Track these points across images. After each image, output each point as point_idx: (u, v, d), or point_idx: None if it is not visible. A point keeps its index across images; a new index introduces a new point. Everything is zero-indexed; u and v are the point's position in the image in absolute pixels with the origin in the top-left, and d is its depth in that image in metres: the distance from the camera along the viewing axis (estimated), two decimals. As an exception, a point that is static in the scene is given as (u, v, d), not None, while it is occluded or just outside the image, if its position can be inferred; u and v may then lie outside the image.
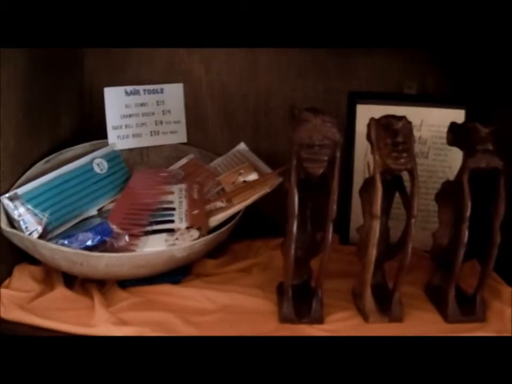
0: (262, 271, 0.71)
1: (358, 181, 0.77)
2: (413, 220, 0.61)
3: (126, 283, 0.67)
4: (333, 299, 0.65)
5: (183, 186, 0.73)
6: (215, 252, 0.73)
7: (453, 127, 0.67)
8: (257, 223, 0.78)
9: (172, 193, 0.72)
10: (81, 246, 0.63)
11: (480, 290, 0.64)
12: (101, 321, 0.59)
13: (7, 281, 0.66)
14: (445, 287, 0.65)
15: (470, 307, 0.64)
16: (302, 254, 0.65)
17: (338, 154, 0.58)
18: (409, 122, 0.62)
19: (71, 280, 0.68)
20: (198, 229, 0.67)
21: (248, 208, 0.72)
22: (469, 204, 0.61)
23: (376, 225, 0.60)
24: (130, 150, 0.78)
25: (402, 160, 0.59)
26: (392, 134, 0.60)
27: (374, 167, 0.61)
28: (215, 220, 0.69)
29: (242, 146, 0.79)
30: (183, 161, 0.78)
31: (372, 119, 0.62)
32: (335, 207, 0.59)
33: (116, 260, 0.62)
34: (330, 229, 0.59)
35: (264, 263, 0.72)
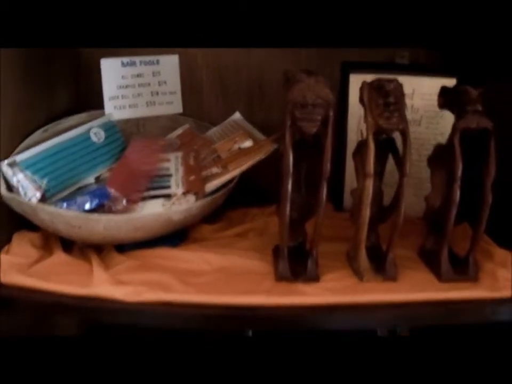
0: (257, 236, 0.72)
1: (351, 150, 0.77)
2: (405, 179, 0.62)
3: (124, 248, 0.68)
4: (328, 261, 0.66)
5: (179, 154, 0.74)
6: (211, 218, 0.74)
7: (444, 90, 0.68)
8: (253, 193, 0.79)
9: (169, 160, 0.73)
10: (80, 210, 0.64)
11: (472, 251, 0.65)
12: (99, 281, 0.60)
13: (6, 247, 0.67)
14: (438, 249, 0.66)
15: (462, 267, 0.65)
16: (296, 216, 0.66)
17: (331, 113, 0.59)
18: (401, 85, 0.63)
19: (70, 247, 0.69)
20: (195, 194, 0.69)
21: (243, 177, 0.73)
22: (460, 163, 0.62)
23: (370, 184, 0.62)
24: (126, 120, 0.79)
25: (394, 120, 0.60)
26: (384, 95, 0.61)
27: (366, 128, 0.63)
28: (211, 186, 0.70)
29: (237, 116, 0.80)
30: (179, 131, 0.79)
31: (364, 82, 0.64)
32: (328, 165, 0.60)
33: (114, 222, 0.63)
34: (324, 188, 0.60)
35: (260, 228, 0.74)
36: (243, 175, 0.73)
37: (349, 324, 0.59)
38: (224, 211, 0.77)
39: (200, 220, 0.71)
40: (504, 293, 0.60)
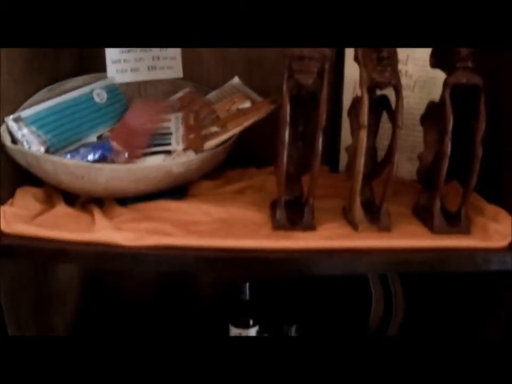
0: (256, 192, 0.74)
1: (346, 119, 0.80)
2: (398, 130, 0.64)
3: (125, 201, 0.70)
4: (324, 214, 0.68)
5: (179, 114, 0.76)
6: (210, 177, 0.76)
7: (436, 51, 0.70)
8: (251, 156, 0.81)
9: (169, 120, 0.75)
10: (83, 160, 0.66)
11: (464, 204, 0.67)
12: (101, 228, 0.62)
13: (9, 201, 0.68)
14: (431, 203, 0.68)
15: (454, 221, 0.67)
16: (293, 171, 0.68)
17: (327, 66, 0.62)
18: (394, 42, 0.65)
19: (72, 202, 0.71)
20: (194, 150, 0.71)
21: (242, 140, 0.75)
22: (451, 117, 0.64)
23: (364, 136, 0.64)
24: (128, 84, 0.81)
25: (387, 74, 0.63)
26: (377, 50, 0.64)
27: (360, 84, 0.65)
28: (210, 144, 0.72)
29: (236, 80, 0.82)
30: (179, 94, 0.81)
31: (359, 39, 0.66)
32: (324, 116, 0.62)
33: (116, 172, 0.65)
34: (320, 138, 0.62)
35: (257, 186, 0.76)
36: (242, 138, 0.75)
37: (343, 268, 0.60)
38: (223, 171, 0.79)
39: (200, 176, 0.73)
40: (496, 243, 0.62)
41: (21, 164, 0.67)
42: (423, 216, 0.70)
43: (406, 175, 0.81)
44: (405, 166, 0.81)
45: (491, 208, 0.70)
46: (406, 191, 0.76)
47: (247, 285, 0.83)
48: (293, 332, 0.81)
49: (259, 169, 0.81)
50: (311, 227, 0.64)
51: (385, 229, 0.65)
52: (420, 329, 0.90)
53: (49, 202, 0.71)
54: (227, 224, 0.65)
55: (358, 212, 0.66)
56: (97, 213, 0.66)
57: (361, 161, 0.64)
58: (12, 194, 0.70)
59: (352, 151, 0.67)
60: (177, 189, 0.71)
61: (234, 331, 0.86)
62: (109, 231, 0.61)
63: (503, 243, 0.62)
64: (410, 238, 0.63)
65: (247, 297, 0.84)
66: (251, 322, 0.86)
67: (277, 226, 0.64)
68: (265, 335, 0.78)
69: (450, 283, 0.82)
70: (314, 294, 0.94)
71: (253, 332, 0.85)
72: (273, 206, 0.68)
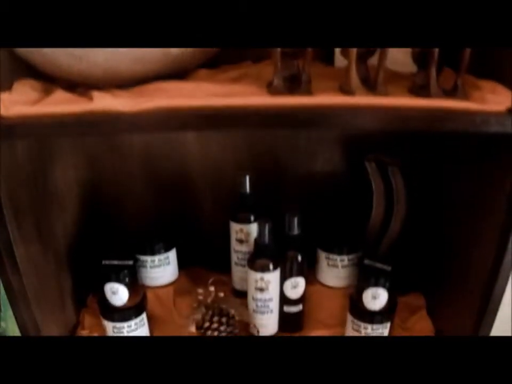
0: (253, 79, 0.73)
1: None
2: None
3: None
4: (320, 87, 0.66)
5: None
6: (207, 67, 0.76)
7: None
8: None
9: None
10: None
11: (460, 76, 0.67)
12: (99, 98, 0.63)
13: (6, 91, 0.68)
14: (427, 77, 0.68)
15: (451, 92, 0.67)
16: (290, 50, 0.68)
17: None
18: None
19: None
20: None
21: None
22: None
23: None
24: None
25: None
26: None
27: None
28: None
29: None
30: None
31: None
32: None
33: (114, 53, 0.64)
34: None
35: (255, 74, 0.75)
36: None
37: (342, 124, 0.61)
38: (219, 64, 0.79)
39: (198, 63, 0.73)
40: (493, 107, 0.62)
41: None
42: (420, 92, 0.70)
43: (402, 69, 0.81)
44: (399, 59, 0.81)
45: (488, 83, 0.71)
46: (402, 79, 0.76)
47: (247, 178, 0.84)
48: (295, 225, 0.81)
49: (255, 63, 0.81)
50: (308, 92, 0.64)
51: (383, 94, 0.65)
52: (423, 225, 0.92)
53: (47, 91, 0.71)
54: (225, 95, 0.65)
55: (354, 80, 0.65)
56: (95, 92, 0.66)
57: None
58: (10, 88, 0.70)
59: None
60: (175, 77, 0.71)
61: (235, 226, 0.87)
62: (107, 99, 0.62)
63: (500, 107, 0.63)
64: (409, 104, 0.63)
65: (247, 190, 0.85)
66: (252, 217, 0.87)
67: (274, 92, 0.64)
68: (266, 226, 0.78)
69: (451, 173, 0.84)
70: (315, 189, 0.95)
71: (254, 227, 0.86)
72: (270, 83, 0.68)
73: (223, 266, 0.94)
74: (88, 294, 0.97)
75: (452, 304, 0.86)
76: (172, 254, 0.93)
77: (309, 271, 0.89)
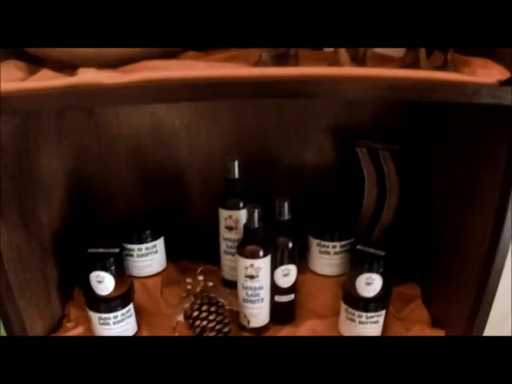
0: (242, 60, 0.72)
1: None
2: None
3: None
4: (310, 64, 0.66)
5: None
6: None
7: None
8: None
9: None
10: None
11: (449, 52, 0.67)
12: (85, 71, 0.61)
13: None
14: (416, 54, 0.68)
15: (441, 66, 0.67)
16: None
17: None
18: None
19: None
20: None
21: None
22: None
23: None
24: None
25: None
26: None
27: None
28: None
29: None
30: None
31: None
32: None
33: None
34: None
35: (244, 57, 0.73)
36: None
37: (330, 91, 0.59)
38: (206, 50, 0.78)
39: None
40: (485, 79, 0.61)
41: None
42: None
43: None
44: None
45: (478, 60, 0.70)
46: (391, 61, 0.75)
47: (236, 163, 0.82)
48: (285, 211, 0.79)
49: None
50: (296, 64, 0.63)
51: (373, 66, 0.64)
52: (416, 212, 0.90)
53: (33, 72, 0.69)
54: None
55: (344, 56, 0.65)
56: (80, 68, 0.65)
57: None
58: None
59: None
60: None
61: (224, 213, 0.85)
62: (92, 72, 0.60)
63: (491, 79, 0.62)
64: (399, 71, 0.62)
65: (236, 175, 0.83)
66: (241, 203, 0.85)
67: (262, 65, 0.63)
68: (255, 211, 0.76)
69: (443, 158, 0.82)
70: (305, 176, 0.94)
71: (243, 213, 0.84)
72: (258, 61, 0.67)
73: (212, 257, 0.92)
74: (75, 287, 0.94)
75: (448, 293, 0.84)
76: (160, 243, 0.90)
77: (300, 261, 0.87)
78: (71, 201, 0.93)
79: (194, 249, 0.99)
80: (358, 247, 0.81)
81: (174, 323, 0.81)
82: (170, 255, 0.95)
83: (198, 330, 0.82)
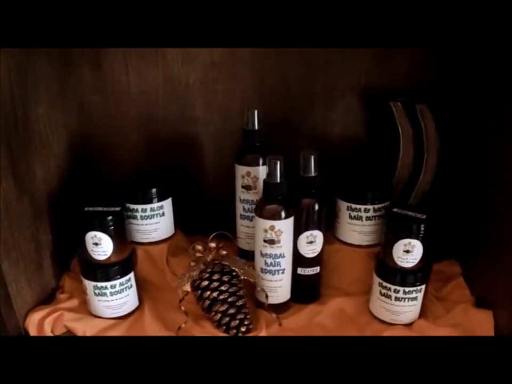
0: None
1: None
2: None
3: None
4: None
5: None
6: None
7: None
8: None
9: None
10: None
11: None
12: None
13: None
14: None
15: None
16: None
17: None
18: None
19: None
20: None
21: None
22: None
23: None
24: None
25: None
26: None
27: None
28: None
29: None
30: None
31: None
32: None
33: None
34: None
35: None
36: None
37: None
38: None
39: None
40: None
41: None
42: None
43: None
44: None
45: None
46: None
47: (255, 113, 0.73)
48: (311, 166, 0.69)
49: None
50: None
51: None
52: (458, 177, 0.79)
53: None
54: None
55: None
56: None
57: None
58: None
59: None
60: None
61: (241, 170, 0.75)
62: None
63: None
64: None
65: (256, 127, 0.73)
66: (260, 160, 0.75)
67: None
68: (278, 164, 0.66)
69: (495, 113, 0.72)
70: (333, 137, 0.85)
71: (262, 170, 0.74)
72: None
73: (227, 225, 0.81)
74: (73, 257, 0.85)
75: (495, 271, 0.72)
76: (167, 204, 0.79)
77: (327, 231, 0.77)
78: (72, 159, 0.84)
79: (206, 214, 0.90)
80: (395, 210, 0.71)
81: (180, 295, 0.70)
82: (180, 220, 0.85)
83: (207, 303, 0.71)
